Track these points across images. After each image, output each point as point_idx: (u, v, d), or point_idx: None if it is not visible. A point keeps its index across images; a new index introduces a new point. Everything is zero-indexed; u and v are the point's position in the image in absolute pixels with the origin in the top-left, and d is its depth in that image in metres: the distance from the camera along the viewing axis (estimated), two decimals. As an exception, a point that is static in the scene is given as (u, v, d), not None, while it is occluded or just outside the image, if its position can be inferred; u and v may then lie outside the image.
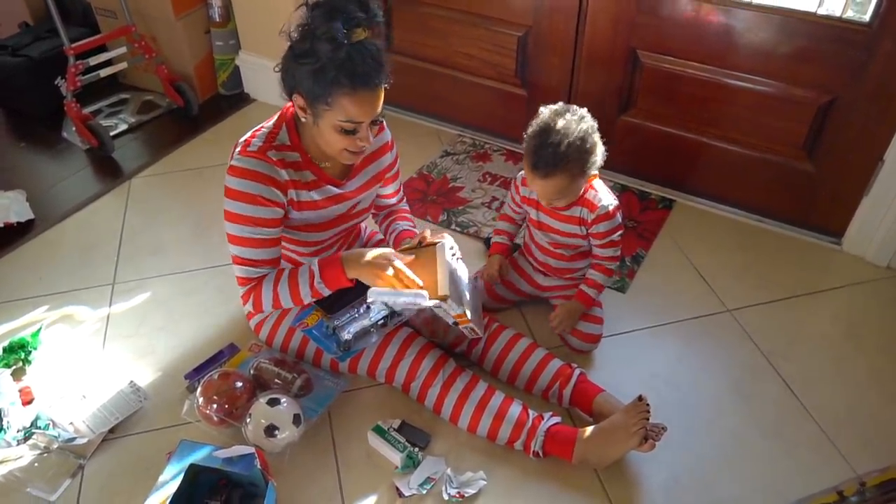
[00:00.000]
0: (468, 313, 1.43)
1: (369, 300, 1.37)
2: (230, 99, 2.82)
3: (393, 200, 1.74)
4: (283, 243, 1.55)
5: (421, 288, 1.37)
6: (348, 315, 1.55)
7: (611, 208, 1.60)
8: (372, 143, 1.43)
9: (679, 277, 1.96)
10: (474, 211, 2.19)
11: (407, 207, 1.78)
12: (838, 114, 1.90)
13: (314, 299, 1.46)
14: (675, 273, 1.97)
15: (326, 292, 1.41)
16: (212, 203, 2.23)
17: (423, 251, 1.47)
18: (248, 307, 1.48)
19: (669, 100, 2.13)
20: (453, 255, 1.50)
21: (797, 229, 2.12)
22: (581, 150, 1.49)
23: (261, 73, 2.72)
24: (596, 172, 1.57)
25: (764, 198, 2.13)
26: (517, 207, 1.75)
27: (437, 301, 1.36)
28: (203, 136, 2.60)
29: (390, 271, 1.36)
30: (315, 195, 1.47)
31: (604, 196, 1.61)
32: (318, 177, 1.46)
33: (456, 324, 1.45)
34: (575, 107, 1.53)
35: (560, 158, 1.47)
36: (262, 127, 1.45)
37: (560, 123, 1.48)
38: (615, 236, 1.63)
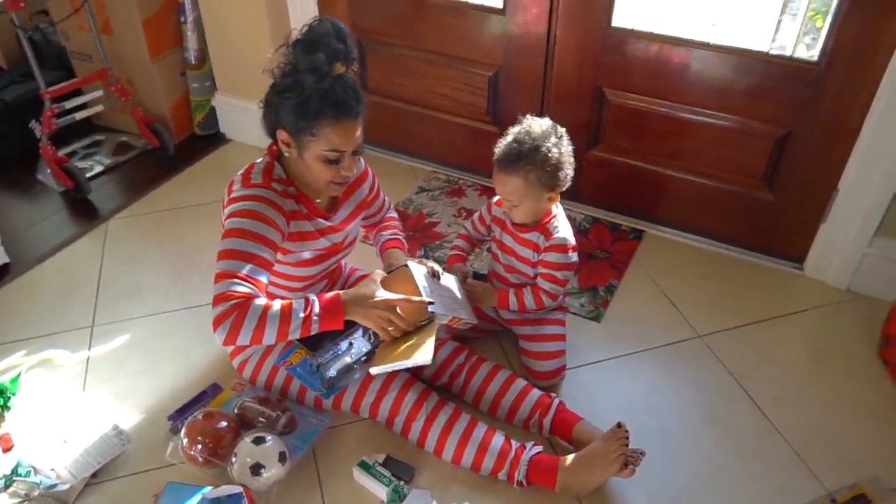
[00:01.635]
0: (456, 314, 1.50)
1: (373, 372, 1.42)
2: (206, 139, 2.83)
3: (380, 215, 1.79)
4: (277, 280, 1.56)
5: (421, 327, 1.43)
6: (332, 352, 1.57)
7: (567, 244, 1.63)
8: (354, 173, 1.49)
9: (651, 305, 2.01)
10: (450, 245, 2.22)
11: (394, 215, 1.83)
12: (794, 146, 1.99)
13: (295, 335, 1.41)
14: (647, 301, 2.02)
15: (315, 330, 1.38)
16: (190, 243, 2.24)
17: (395, 274, 1.52)
18: (221, 335, 1.30)
19: (635, 134, 2.20)
20: (435, 272, 1.56)
21: (761, 256, 2.19)
22: (546, 160, 1.53)
23: (237, 114, 2.75)
24: (556, 195, 1.61)
25: (729, 226, 2.20)
26: (481, 226, 1.81)
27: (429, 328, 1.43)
28: (179, 177, 2.61)
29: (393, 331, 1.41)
30: (311, 226, 1.51)
31: (563, 229, 1.65)
32: (310, 210, 1.50)
33: (449, 325, 1.51)
34: (560, 128, 1.59)
35: (523, 157, 1.52)
36: (252, 166, 1.48)
37: (537, 130, 1.55)
38: (559, 273, 1.65)
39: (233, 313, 1.29)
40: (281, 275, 1.55)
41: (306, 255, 1.53)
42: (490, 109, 2.41)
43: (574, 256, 1.66)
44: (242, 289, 1.32)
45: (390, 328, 1.40)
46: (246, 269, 1.34)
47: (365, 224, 1.80)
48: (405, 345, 1.42)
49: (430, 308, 1.43)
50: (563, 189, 1.61)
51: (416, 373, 1.65)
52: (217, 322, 1.30)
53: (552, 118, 1.55)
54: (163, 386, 1.76)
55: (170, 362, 1.82)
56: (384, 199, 1.79)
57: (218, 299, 1.31)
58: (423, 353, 1.37)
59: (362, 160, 1.65)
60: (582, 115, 2.24)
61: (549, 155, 1.53)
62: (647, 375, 1.80)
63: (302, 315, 1.34)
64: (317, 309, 1.35)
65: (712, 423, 1.67)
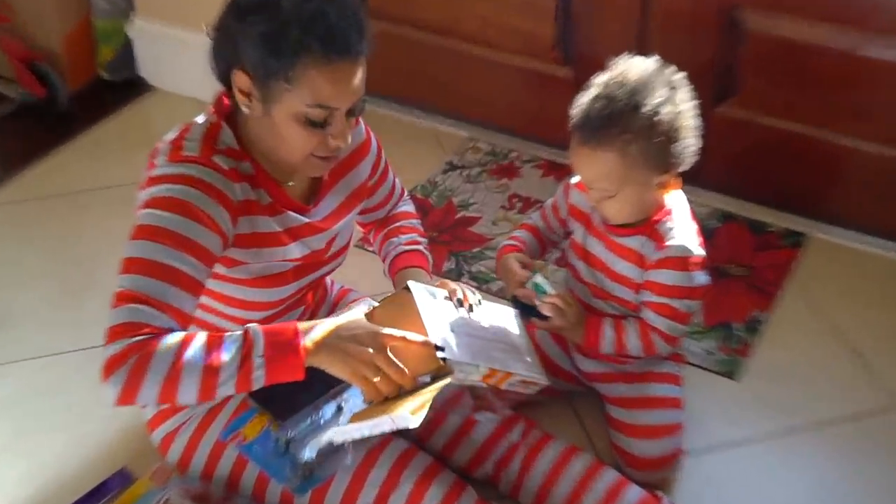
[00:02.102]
0: (501, 365, 1.46)
1: (336, 441, 1.40)
2: (117, 87, 2.89)
3: (386, 208, 1.82)
4: (221, 308, 1.56)
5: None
6: (309, 421, 1.54)
7: (692, 256, 1.61)
8: (349, 144, 1.47)
9: (819, 353, 1.99)
10: (497, 254, 2.20)
11: (410, 209, 1.86)
12: None
13: (226, 392, 1.35)
14: (812, 346, 2.00)
15: (260, 383, 1.34)
16: (91, 247, 2.25)
17: (391, 300, 1.52)
18: (114, 388, 1.28)
19: (791, 81, 2.19)
20: (470, 302, 1.55)
21: None
22: (654, 125, 1.51)
23: (165, 49, 2.79)
24: (673, 180, 1.60)
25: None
26: (554, 219, 1.82)
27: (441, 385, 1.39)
28: (75, 144, 2.66)
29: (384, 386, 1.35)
30: (276, 225, 1.50)
31: (683, 233, 1.63)
32: (276, 199, 1.49)
33: (489, 386, 1.48)
34: (674, 72, 1.57)
35: (617, 121, 1.51)
36: (187, 128, 1.47)
37: (638, 78, 1.54)
38: (679, 303, 1.63)
39: (131, 356, 1.27)
40: (228, 299, 1.54)
41: (269, 268, 1.52)
42: (559, 42, 2.42)
43: (702, 277, 1.63)
44: (150, 321, 1.31)
45: (376, 380, 1.35)
46: (159, 290, 1.33)
47: (364, 221, 1.81)
48: (399, 403, 1.40)
49: (440, 353, 1.39)
50: (683, 168, 1.59)
51: (442, 456, 1.63)
52: (109, 368, 1.27)
53: (658, 55, 1.55)
54: (40, 473, 1.76)
55: (53, 434, 1.83)
56: (394, 184, 1.79)
57: (113, 334, 1.29)
58: (411, 412, 1.33)
59: (362, 124, 1.64)
60: (704, 53, 2.23)
61: (660, 115, 1.51)
62: (810, 466, 1.77)
63: (238, 359, 1.30)
64: (260, 349, 1.31)
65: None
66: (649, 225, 1.63)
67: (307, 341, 1.34)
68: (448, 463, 1.62)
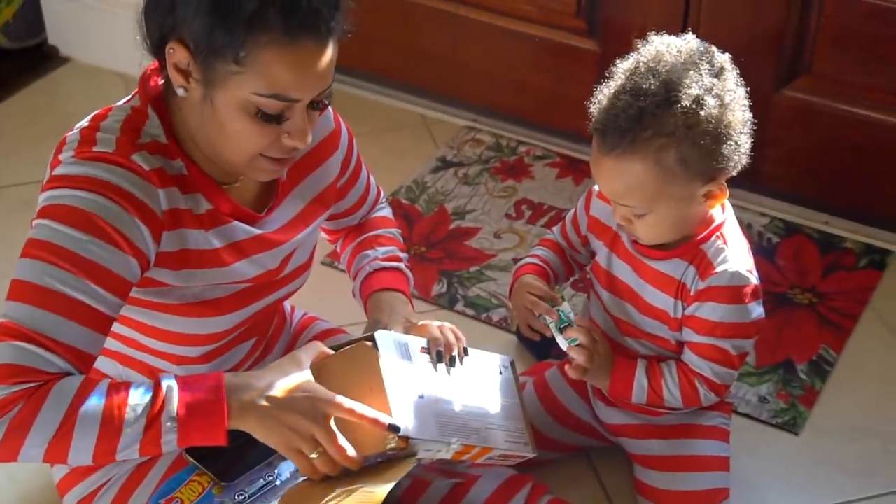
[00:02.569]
0: (478, 440, 1.50)
1: None
2: (21, 56, 2.91)
3: (358, 213, 1.83)
4: (148, 343, 1.57)
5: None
6: (262, 482, 1.57)
7: (747, 283, 1.63)
8: (309, 142, 1.46)
9: None
10: (500, 276, 2.25)
11: (388, 215, 1.89)
12: None
13: (132, 455, 1.37)
14: (893, 395, 2.02)
15: (170, 447, 1.35)
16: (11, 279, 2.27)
17: (349, 352, 1.52)
18: (32, 452, 1.30)
19: (875, 59, 2.21)
20: (449, 349, 1.56)
21: None
22: (696, 123, 1.51)
23: (79, 10, 2.82)
24: (721, 189, 1.60)
25: None
26: (574, 233, 1.84)
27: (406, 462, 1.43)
28: None
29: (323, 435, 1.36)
30: (215, 240, 1.50)
31: (737, 257, 1.64)
32: (217, 205, 1.49)
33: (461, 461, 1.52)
34: (719, 55, 1.58)
35: (648, 121, 1.51)
36: (106, 113, 1.48)
37: (673, 63, 1.54)
38: (730, 343, 1.64)
39: (16, 404, 1.28)
40: (156, 332, 1.55)
41: (206, 293, 1.54)
42: (583, 7, 2.45)
43: (758, 309, 1.65)
44: (40, 364, 1.31)
45: (313, 456, 1.38)
46: (52, 325, 1.33)
47: (332, 229, 1.83)
48: (344, 488, 1.42)
49: (402, 431, 1.40)
50: (732, 174, 1.60)
51: None
52: None
53: (706, 29, 1.57)
54: None
55: None
56: (369, 183, 1.81)
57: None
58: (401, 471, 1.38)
59: (330, 109, 1.63)
60: (766, 21, 2.26)
61: (703, 111, 1.52)
62: None
63: (143, 420, 1.32)
64: (173, 409, 1.33)
65: None
66: (692, 246, 1.63)
67: (234, 401, 1.35)
68: None
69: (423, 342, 1.55)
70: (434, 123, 2.70)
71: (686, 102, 1.50)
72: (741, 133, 1.56)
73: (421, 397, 1.47)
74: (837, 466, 1.91)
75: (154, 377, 1.37)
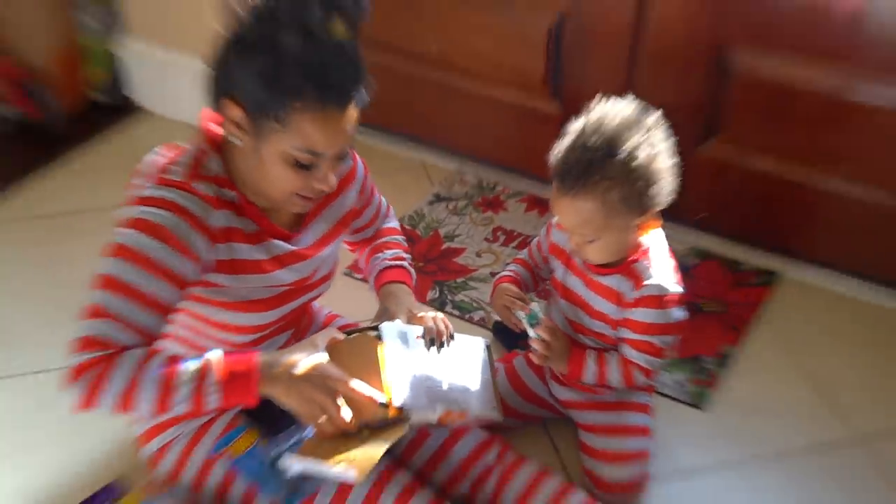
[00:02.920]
0: (457, 406, 1.56)
1: (286, 468, 1.49)
2: (108, 110, 2.89)
3: (373, 227, 1.86)
4: (207, 331, 1.60)
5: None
6: (297, 437, 1.59)
7: (669, 294, 1.66)
8: (332, 186, 1.50)
9: (785, 388, 2.05)
10: (480, 285, 2.30)
11: (395, 225, 1.91)
12: None
13: (182, 410, 1.43)
14: (779, 381, 2.06)
15: (212, 405, 1.40)
16: (80, 269, 2.13)
17: (357, 340, 1.57)
18: (76, 392, 1.39)
19: (775, 122, 2.24)
20: (439, 334, 1.63)
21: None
22: (631, 171, 1.53)
23: (157, 71, 2.81)
24: (651, 220, 1.65)
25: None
26: (539, 255, 1.87)
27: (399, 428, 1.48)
28: (67, 168, 2.67)
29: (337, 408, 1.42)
30: (258, 253, 1.53)
31: (660, 272, 1.67)
32: (261, 227, 1.52)
33: (442, 424, 1.57)
34: (651, 115, 1.60)
35: (595, 169, 1.53)
36: (177, 152, 1.51)
37: (614, 123, 1.56)
38: (657, 339, 1.68)
39: (96, 366, 1.36)
40: (213, 324, 1.58)
41: (252, 293, 1.56)
42: (549, 77, 2.46)
43: (679, 313, 1.68)
44: (115, 337, 1.38)
45: (322, 420, 1.42)
46: (126, 309, 1.39)
47: (353, 240, 1.86)
48: (351, 444, 1.47)
49: (397, 402, 1.48)
50: (660, 208, 1.63)
51: (422, 473, 1.69)
52: (74, 375, 1.37)
53: (644, 95, 1.57)
54: (31, 484, 1.80)
55: (45, 448, 1.87)
56: (380, 203, 1.84)
57: (81, 344, 1.38)
58: (358, 469, 1.41)
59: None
60: (691, 92, 2.28)
61: (637, 160, 1.53)
62: (774, 495, 1.83)
63: (193, 384, 1.38)
64: (214, 377, 1.38)
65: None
66: (627, 265, 1.66)
67: (264, 373, 1.40)
68: (427, 482, 1.65)
69: (419, 330, 1.60)
70: (430, 167, 2.73)
71: (624, 154, 1.52)
72: (667, 177, 1.59)
73: (414, 375, 1.53)
74: (732, 434, 1.96)
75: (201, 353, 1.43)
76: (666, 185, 1.59)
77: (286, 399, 1.42)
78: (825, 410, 2.02)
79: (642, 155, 1.54)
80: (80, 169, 2.71)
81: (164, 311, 1.43)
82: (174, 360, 1.40)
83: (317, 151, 1.40)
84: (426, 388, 1.54)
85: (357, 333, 1.59)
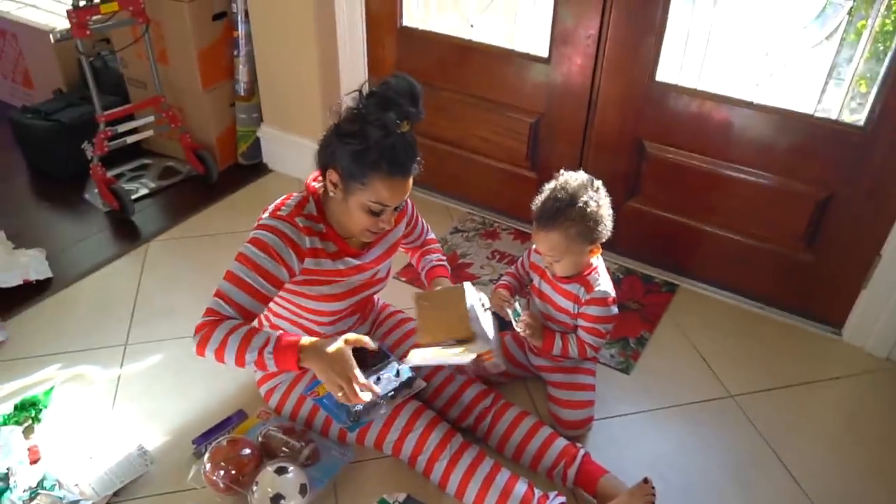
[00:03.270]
0: (492, 347, 1.50)
1: (409, 363, 1.46)
2: (249, 169, 2.89)
3: (419, 240, 1.81)
4: (301, 313, 1.58)
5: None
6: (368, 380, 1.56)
7: (608, 297, 1.64)
8: (392, 226, 1.50)
9: (682, 361, 1.99)
10: (483, 287, 2.21)
11: (434, 237, 1.85)
12: (836, 209, 1.98)
13: (253, 367, 1.41)
14: (678, 356, 2.00)
15: (271, 367, 1.39)
16: (224, 267, 2.24)
17: (449, 290, 1.55)
18: (194, 343, 1.42)
19: (673, 188, 2.21)
20: (482, 305, 1.57)
21: (798, 318, 2.16)
22: (585, 215, 1.54)
23: (280, 146, 2.81)
24: (597, 248, 1.62)
25: (765, 286, 2.18)
26: (523, 270, 1.82)
27: (468, 348, 1.46)
28: (220, 204, 2.66)
29: (357, 400, 1.37)
30: (337, 265, 1.52)
31: (604, 282, 1.65)
32: (340, 248, 1.51)
33: (480, 358, 1.52)
34: (596, 181, 1.61)
35: (562, 213, 1.54)
36: (289, 197, 1.51)
37: (574, 185, 1.57)
38: (601, 326, 1.65)
39: (206, 328, 1.39)
40: (306, 309, 1.56)
41: (332, 290, 1.54)
42: (529, 155, 2.44)
43: (615, 309, 1.65)
44: (225, 312, 1.40)
45: (339, 394, 1.38)
46: (238, 295, 1.41)
47: (406, 247, 1.82)
48: (448, 350, 1.47)
49: (472, 327, 1.47)
50: (603, 241, 1.62)
51: (442, 412, 1.65)
52: (196, 330, 1.41)
53: (591, 168, 1.58)
54: (189, 409, 1.78)
55: (198, 386, 1.84)
56: (423, 226, 1.80)
57: (205, 312, 1.42)
58: (466, 354, 1.43)
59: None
60: (620, 166, 2.26)
61: (588, 209, 1.55)
62: (674, 432, 1.77)
63: (261, 340, 1.38)
64: (270, 348, 1.37)
65: (740, 486, 1.64)
66: (582, 277, 1.65)
67: (303, 353, 1.37)
68: (444, 417, 1.63)
69: (479, 295, 1.60)
70: (452, 210, 2.66)
71: (580, 204, 1.52)
72: (608, 220, 1.58)
73: (478, 321, 1.50)
74: (647, 391, 1.89)
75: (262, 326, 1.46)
76: (607, 226, 1.60)
77: (318, 375, 1.39)
78: (709, 376, 1.96)
79: (592, 205, 1.56)
80: (228, 206, 2.70)
81: (264, 300, 1.43)
82: (252, 331, 1.39)
83: (385, 204, 1.40)
84: (486, 330, 1.52)
85: (452, 287, 1.57)
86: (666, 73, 2.08)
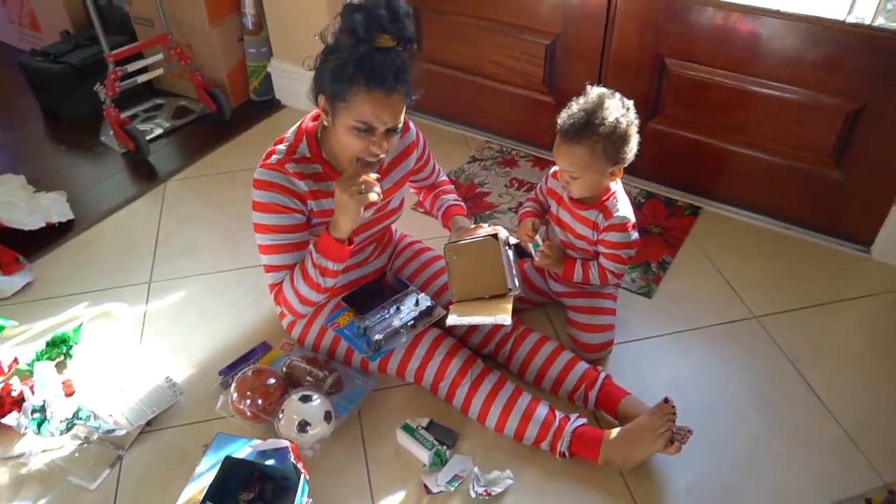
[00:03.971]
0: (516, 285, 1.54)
1: (449, 323, 1.49)
2: (261, 105, 2.87)
3: (431, 179, 1.78)
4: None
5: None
6: (379, 316, 1.59)
7: (628, 222, 1.60)
8: (387, 154, 1.43)
9: (705, 284, 1.97)
10: (501, 216, 2.22)
11: (446, 179, 1.83)
12: (867, 121, 1.90)
13: (326, 281, 1.44)
14: (701, 279, 1.98)
15: (331, 266, 1.43)
16: (243, 205, 2.20)
17: (482, 244, 1.53)
18: (283, 311, 1.53)
19: (696, 106, 2.15)
20: (507, 246, 1.55)
21: (824, 237, 2.12)
22: (614, 131, 1.49)
23: (291, 80, 2.78)
24: (619, 171, 1.57)
25: (791, 205, 2.14)
26: (541, 195, 1.79)
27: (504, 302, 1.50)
28: (235, 141, 2.66)
29: (373, 196, 1.37)
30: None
31: (623, 208, 1.61)
32: None
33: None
34: (627, 101, 1.54)
35: (591, 126, 1.48)
36: (282, 138, 1.49)
37: (606, 101, 1.51)
38: (622, 252, 1.62)
39: (281, 296, 1.50)
40: None
41: None
42: (546, 79, 2.38)
43: (635, 234, 1.62)
44: (284, 276, 1.49)
45: (361, 189, 1.36)
46: (287, 258, 1.47)
47: (417, 187, 1.79)
48: (483, 307, 1.49)
49: (510, 287, 1.49)
50: (626, 164, 1.57)
51: (462, 339, 1.66)
52: (278, 304, 1.54)
53: (611, 88, 1.52)
54: (214, 342, 1.81)
55: (222, 320, 1.88)
56: (434, 165, 1.77)
57: (271, 287, 1.52)
58: (504, 315, 1.44)
59: (413, 129, 1.63)
60: (641, 86, 2.19)
61: (619, 126, 1.50)
62: (696, 354, 1.77)
63: (312, 266, 1.43)
64: (316, 253, 1.43)
65: (762, 406, 1.64)
66: (600, 203, 1.61)
67: (330, 228, 1.42)
68: (466, 344, 1.64)
69: (505, 236, 1.56)
70: (469, 139, 2.63)
71: (612, 121, 1.49)
72: (634, 143, 1.54)
73: (511, 272, 1.51)
74: (669, 314, 1.88)
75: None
76: (632, 148, 1.55)
77: (348, 222, 1.39)
78: (732, 298, 1.94)
79: (623, 123, 1.51)
80: (242, 143, 2.69)
81: (302, 247, 1.49)
82: (301, 267, 1.46)
83: (368, 123, 1.33)
84: (512, 275, 1.53)
85: (482, 239, 1.54)
86: (688, -16, 1.98)
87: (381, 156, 1.40)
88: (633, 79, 2.19)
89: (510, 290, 1.49)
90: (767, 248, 2.09)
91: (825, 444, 1.55)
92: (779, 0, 1.89)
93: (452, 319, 1.48)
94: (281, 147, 1.46)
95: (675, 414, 1.43)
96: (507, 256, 1.54)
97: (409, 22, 1.31)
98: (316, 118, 1.48)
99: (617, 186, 1.64)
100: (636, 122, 1.54)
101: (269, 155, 1.46)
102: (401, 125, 1.38)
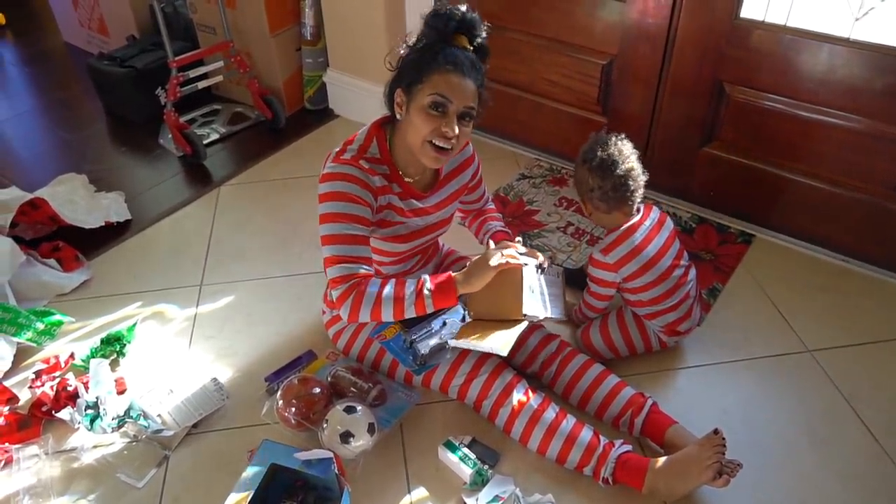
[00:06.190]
0: (553, 314, 1.52)
1: (451, 345, 1.46)
2: (315, 114, 2.92)
3: (479, 204, 1.79)
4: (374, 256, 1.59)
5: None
6: (426, 330, 1.59)
7: (595, 258, 1.66)
8: (459, 140, 1.43)
9: (756, 314, 1.93)
10: (549, 235, 2.21)
11: (493, 207, 1.83)
12: (935, 155, 1.85)
13: (409, 313, 1.43)
14: (752, 309, 1.94)
15: (431, 309, 1.42)
16: (295, 213, 2.32)
17: (510, 270, 1.50)
18: (344, 313, 1.42)
19: (754, 133, 2.11)
20: (541, 271, 1.54)
21: (885, 271, 2.05)
22: (581, 163, 1.63)
23: (346, 90, 2.82)
24: (622, 214, 1.63)
25: (850, 237, 2.08)
26: None
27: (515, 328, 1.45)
28: (288, 149, 2.70)
29: (500, 258, 1.42)
30: (402, 205, 1.52)
31: (610, 245, 1.63)
32: (404, 189, 1.51)
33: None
34: (625, 157, 1.60)
35: (579, 156, 1.68)
36: (352, 139, 1.51)
37: (597, 139, 1.64)
38: (590, 284, 1.70)
39: (350, 294, 1.39)
40: (377, 251, 1.57)
41: (396, 231, 1.54)
42: (600, 99, 2.37)
43: (600, 272, 1.67)
44: (354, 271, 1.41)
45: (503, 256, 1.42)
46: (351, 250, 1.41)
47: (464, 210, 1.80)
48: (491, 331, 1.44)
49: (524, 313, 1.44)
50: (597, 203, 1.64)
51: (507, 358, 1.63)
52: (339, 302, 1.41)
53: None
54: (261, 347, 1.83)
55: (269, 326, 1.90)
56: (484, 189, 1.78)
57: (336, 282, 1.41)
58: (502, 346, 1.40)
59: (470, 146, 1.64)
60: (697, 110, 2.16)
61: (585, 158, 1.64)
62: (746, 386, 1.73)
63: (414, 295, 1.40)
64: (429, 286, 1.40)
65: (814, 442, 1.59)
66: (606, 236, 1.65)
67: (458, 281, 1.42)
68: (510, 363, 1.64)
69: (536, 261, 1.52)
70: (519, 156, 2.64)
71: (584, 152, 1.67)
72: (602, 194, 1.63)
73: (532, 292, 1.48)
74: (719, 343, 1.84)
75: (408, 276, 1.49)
76: (596, 186, 1.62)
77: (479, 284, 1.41)
78: (785, 330, 1.89)
79: (589, 160, 1.63)
80: (296, 150, 2.72)
81: (367, 242, 1.45)
82: (399, 282, 1.41)
83: (445, 96, 1.36)
84: (537, 302, 1.49)
85: (510, 269, 1.51)
86: (751, 9, 1.95)
87: (452, 142, 1.40)
88: (690, 102, 2.16)
89: (525, 315, 1.44)
90: (824, 280, 2.04)
91: (882, 487, 1.50)
92: (849, 27, 1.85)
93: (453, 342, 1.47)
94: (352, 146, 1.48)
95: (725, 446, 1.40)
96: (541, 282, 1.52)
97: (484, 31, 1.41)
98: (383, 122, 1.51)
99: (626, 227, 1.63)
100: (614, 181, 1.58)
101: (341, 152, 1.48)
102: (473, 114, 1.42)
